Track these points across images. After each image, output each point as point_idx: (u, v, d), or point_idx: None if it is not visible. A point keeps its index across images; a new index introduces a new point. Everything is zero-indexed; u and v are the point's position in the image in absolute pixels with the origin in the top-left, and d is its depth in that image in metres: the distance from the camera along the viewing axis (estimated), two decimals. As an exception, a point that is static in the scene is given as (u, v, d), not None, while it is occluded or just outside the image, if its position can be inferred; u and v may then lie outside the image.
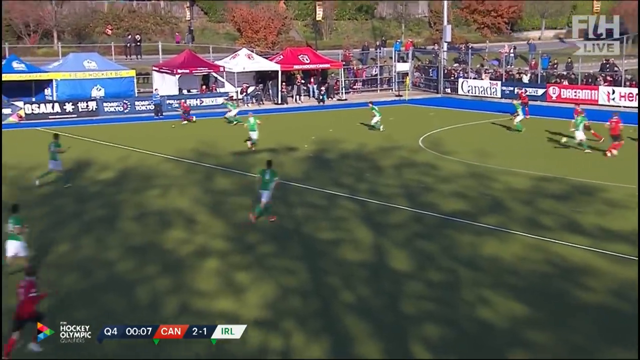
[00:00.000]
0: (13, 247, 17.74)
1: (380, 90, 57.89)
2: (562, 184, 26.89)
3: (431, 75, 58.43)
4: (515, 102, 40.65)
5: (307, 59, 53.14)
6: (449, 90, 56.04)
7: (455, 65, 59.49)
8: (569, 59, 54.41)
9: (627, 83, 47.49)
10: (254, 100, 50.98)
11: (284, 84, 51.94)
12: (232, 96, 48.27)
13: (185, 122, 42.75)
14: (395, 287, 17.23)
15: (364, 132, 38.84)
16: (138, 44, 59.96)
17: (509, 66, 57.34)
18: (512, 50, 62.02)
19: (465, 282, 17.50)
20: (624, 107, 44.49)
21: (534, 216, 22.82)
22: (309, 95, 54.18)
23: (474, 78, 55.46)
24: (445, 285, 17.33)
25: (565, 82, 50.67)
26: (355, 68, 59.20)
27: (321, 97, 52.64)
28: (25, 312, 13.78)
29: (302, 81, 54.25)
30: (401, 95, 55.06)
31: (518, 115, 38.48)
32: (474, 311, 15.82)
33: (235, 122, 40.93)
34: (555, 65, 55.85)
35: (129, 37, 60.57)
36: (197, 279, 17.77)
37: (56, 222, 22.70)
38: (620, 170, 28.73)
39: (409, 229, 21.88)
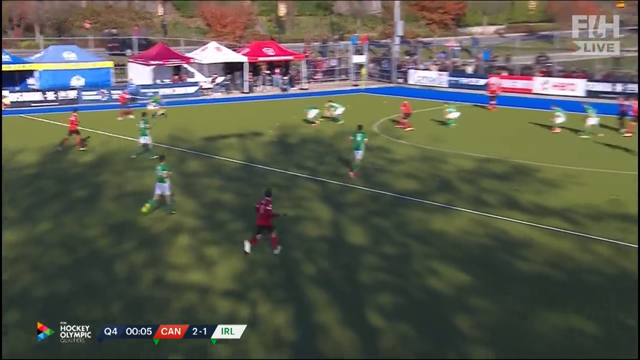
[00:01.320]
0: (160, 188, 20.53)
1: (339, 80, 57.72)
2: (503, 164, 27.09)
3: (384, 66, 58.40)
4: (446, 104, 37.18)
5: (271, 52, 52.71)
6: (400, 80, 56.00)
7: (407, 57, 59.51)
8: (508, 52, 54.81)
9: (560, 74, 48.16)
10: (223, 90, 50.47)
11: (250, 74, 51.48)
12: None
13: (125, 116, 38.10)
14: (352, 260, 17.25)
15: (323, 119, 38.60)
16: (115, 37, 58.91)
17: (454, 58, 57.55)
18: (457, 44, 62.24)
19: (416, 254, 17.60)
20: (556, 95, 44.90)
21: (478, 194, 22.99)
22: (272, 85, 53.81)
23: (423, 69, 55.57)
24: (398, 258, 17.40)
25: (505, 73, 51.06)
26: (315, 60, 58.91)
27: (284, 86, 52.31)
28: (264, 222, 17.12)
29: (267, 72, 53.84)
30: (358, 85, 54.92)
31: (451, 112, 35.99)
32: (424, 281, 15.93)
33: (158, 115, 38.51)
34: (495, 58, 56.21)
35: (107, 31, 59.48)
36: (171, 253, 17.58)
37: (40, 201, 22.23)
38: (554, 152, 29.15)
39: (364, 207, 21.89)
